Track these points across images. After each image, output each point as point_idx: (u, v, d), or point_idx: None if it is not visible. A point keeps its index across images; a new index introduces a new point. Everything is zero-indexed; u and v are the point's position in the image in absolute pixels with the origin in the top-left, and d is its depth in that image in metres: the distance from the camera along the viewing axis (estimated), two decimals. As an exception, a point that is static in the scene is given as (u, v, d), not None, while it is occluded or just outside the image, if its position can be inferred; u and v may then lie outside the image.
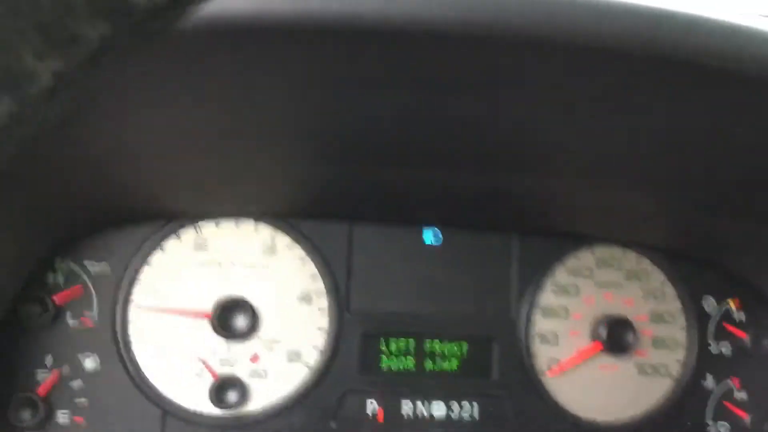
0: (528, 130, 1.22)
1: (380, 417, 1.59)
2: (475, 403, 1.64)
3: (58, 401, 1.45)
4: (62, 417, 1.45)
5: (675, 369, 1.74)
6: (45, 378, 1.44)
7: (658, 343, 1.74)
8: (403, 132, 1.23)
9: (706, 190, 1.45)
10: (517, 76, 1.02)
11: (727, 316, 1.77)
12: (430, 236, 1.68)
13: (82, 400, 1.46)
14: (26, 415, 1.40)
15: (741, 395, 1.74)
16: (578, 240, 1.73)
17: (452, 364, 1.65)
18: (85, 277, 1.48)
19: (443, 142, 1.28)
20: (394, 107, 1.12)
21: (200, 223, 1.54)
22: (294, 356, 1.56)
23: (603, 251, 1.74)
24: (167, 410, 1.48)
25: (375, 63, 0.97)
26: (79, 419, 1.45)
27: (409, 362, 1.63)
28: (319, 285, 1.59)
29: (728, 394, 1.74)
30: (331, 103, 1.11)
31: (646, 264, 1.76)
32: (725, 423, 1.74)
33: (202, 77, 0.99)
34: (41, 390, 1.42)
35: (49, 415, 1.43)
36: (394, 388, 1.61)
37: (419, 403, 1.62)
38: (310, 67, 0.98)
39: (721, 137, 1.18)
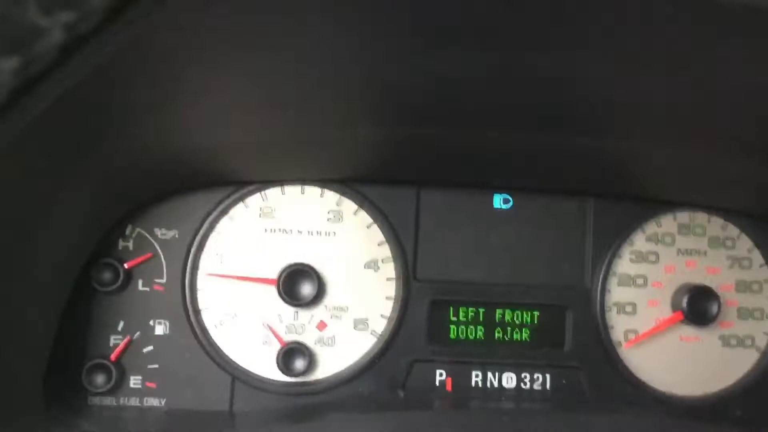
0: (609, 89, 1.14)
1: (449, 386, 1.56)
2: (547, 375, 1.59)
3: (130, 366, 1.47)
4: (134, 382, 1.47)
5: (762, 341, 1.64)
6: (117, 343, 1.46)
7: (744, 313, 1.64)
8: (477, 91, 1.17)
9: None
10: (600, 30, 0.94)
11: (819, 286, 1.66)
12: (500, 201, 1.62)
13: (154, 365, 1.47)
14: (100, 380, 1.43)
15: (834, 369, 1.64)
16: (658, 205, 1.64)
17: (523, 334, 1.60)
18: (155, 243, 1.49)
19: (517, 102, 1.21)
20: (468, 65, 1.06)
21: (266, 190, 1.52)
22: (361, 324, 1.54)
23: (685, 217, 1.64)
24: (236, 376, 1.49)
25: (450, 14, 0.91)
26: (151, 384, 1.47)
27: (479, 332, 1.59)
28: (385, 252, 1.55)
29: (819, 368, 1.64)
30: (402, 61, 1.06)
31: (733, 230, 1.65)
32: (816, 398, 1.64)
33: (272, 37, 0.96)
34: (114, 355, 1.45)
35: (122, 379, 1.46)
36: (463, 357, 1.57)
37: (489, 374, 1.58)
38: (382, 22, 0.94)
39: None
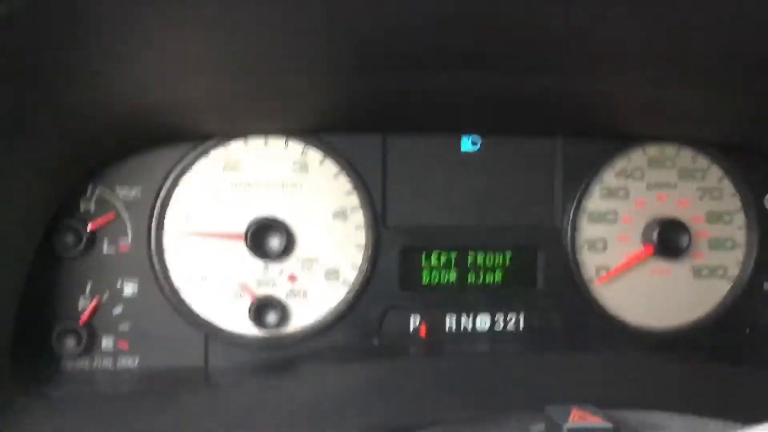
0: (573, 27, 1.11)
1: (423, 332, 1.56)
2: (520, 315, 1.60)
3: (100, 328, 1.45)
4: (106, 344, 1.46)
5: (734, 270, 1.66)
6: (86, 305, 1.44)
7: (715, 244, 1.65)
8: (442, 35, 1.13)
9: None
10: None
11: (791, 212, 1.66)
12: (468, 143, 1.60)
13: (125, 325, 1.46)
14: (70, 344, 1.41)
15: (805, 295, 1.66)
16: (627, 140, 1.63)
17: (496, 276, 1.60)
18: (117, 203, 1.46)
19: (484, 45, 1.18)
20: (432, 8, 1.03)
21: (229, 142, 1.49)
22: (332, 275, 1.53)
23: (655, 150, 1.63)
24: (209, 332, 1.48)
25: None
26: (123, 344, 1.46)
27: (452, 275, 1.58)
28: (354, 200, 1.53)
29: (791, 295, 1.66)
30: (363, 8, 1.02)
31: (703, 161, 1.65)
32: (788, 324, 1.66)
33: None
34: (83, 318, 1.43)
35: (93, 341, 1.44)
36: (436, 302, 1.57)
37: (463, 317, 1.58)
38: None
39: None
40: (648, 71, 1.31)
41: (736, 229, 1.66)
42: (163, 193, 1.46)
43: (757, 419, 0.76)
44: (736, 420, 1.05)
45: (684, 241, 1.59)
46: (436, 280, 1.58)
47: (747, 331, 1.64)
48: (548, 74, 1.31)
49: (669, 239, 1.59)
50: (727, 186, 1.65)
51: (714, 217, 1.65)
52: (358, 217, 1.54)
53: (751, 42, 1.16)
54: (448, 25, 1.10)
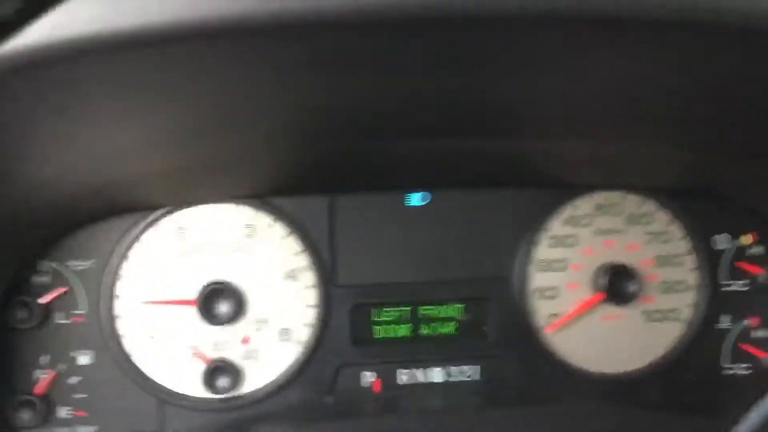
0: (518, 98, 1.15)
1: (377, 387, 1.59)
2: (475, 366, 1.62)
3: (58, 398, 1.49)
4: (64, 413, 1.49)
5: (686, 312, 1.67)
6: (42, 377, 1.47)
7: (666, 287, 1.67)
8: (385, 108, 1.17)
9: (714, 134, 1.34)
10: (505, 52, 0.95)
11: (740, 252, 1.68)
12: (416, 198, 1.63)
13: (81, 394, 1.49)
14: (26, 415, 1.45)
15: (758, 334, 1.67)
16: (575, 189, 1.65)
17: (449, 328, 1.62)
18: (69, 275, 1.50)
19: (425, 115, 1.22)
20: (371, 87, 1.06)
21: (178, 210, 1.53)
22: (285, 334, 1.56)
23: (601, 197, 1.66)
24: (163, 398, 1.51)
25: (354, 46, 0.91)
26: (80, 413, 1.49)
27: (404, 329, 1.61)
28: (303, 261, 1.56)
29: (744, 334, 1.67)
30: (301, 88, 1.06)
31: (651, 205, 1.67)
32: (743, 364, 1.67)
33: (164, 81, 0.96)
34: (39, 389, 1.47)
35: (50, 412, 1.48)
36: (389, 357, 1.59)
37: (417, 371, 1.60)
38: (278, 58, 0.93)
39: (722, 89, 1.09)
40: (592, 132, 1.34)
41: (688, 271, 1.67)
42: (113, 264, 1.50)
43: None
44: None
45: (633, 286, 1.61)
46: (389, 335, 1.60)
47: (693, 377, 1.64)
48: (495, 137, 1.34)
49: (618, 286, 1.61)
50: (677, 229, 1.67)
51: (664, 261, 1.67)
52: (309, 277, 1.57)
53: (694, 102, 1.19)
54: (398, 101, 1.14)
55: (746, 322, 1.67)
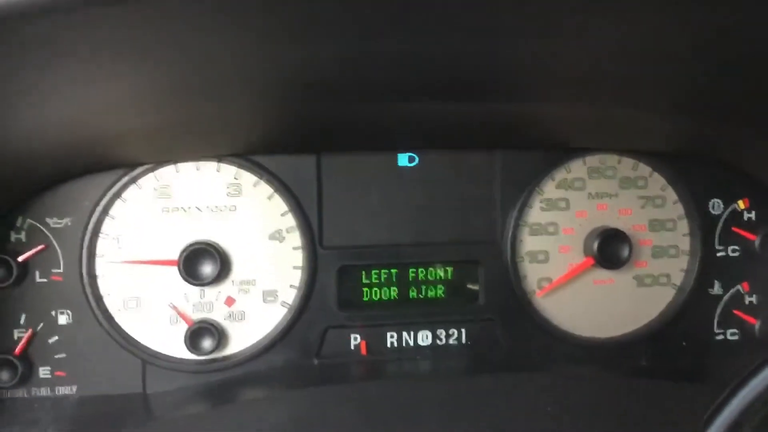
0: (510, 57, 1.11)
1: (364, 350, 1.56)
2: (462, 329, 1.59)
3: (37, 357, 1.46)
4: (43, 373, 1.46)
5: (678, 278, 1.65)
6: (21, 336, 1.44)
7: (658, 252, 1.64)
8: (382, 68, 1.12)
9: (709, 100, 1.31)
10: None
11: (734, 217, 1.65)
12: (405, 159, 1.58)
13: (61, 355, 1.46)
14: (5, 375, 1.42)
15: (750, 299, 1.65)
16: (569, 151, 1.62)
17: (438, 291, 1.59)
18: (48, 233, 1.45)
19: (422, 76, 1.17)
20: (370, 48, 1.02)
21: (159, 168, 1.48)
22: (270, 296, 1.53)
23: (595, 160, 1.62)
24: (146, 359, 1.48)
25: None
26: (60, 373, 1.46)
27: (393, 292, 1.58)
28: (290, 221, 1.53)
29: (737, 300, 1.65)
30: (301, 46, 1.01)
31: (644, 169, 1.64)
32: (734, 330, 1.65)
33: (139, 40, 0.92)
34: (18, 349, 1.43)
35: (30, 371, 1.45)
36: (377, 320, 1.57)
37: (404, 333, 1.58)
38: (252, 20, 0.89)
39: (716, 53, 1.05)
40: (585, 95, 1.30)
41: (680, 236, 1.65)
42: (93, 222, 1.46)
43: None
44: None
45: (624, 251, 1.59)
46: (377, 297, 1.57)
47: (684, 343, 1.63)
48: (486, 99, 1.30)
49: (609, 250, 1.58)
50: (670, 194, 1.64)
51: (657, 225, 1.64)
52: (295, 238, 1.53)
53: (691, 72, 1.15)
54: (386, 61, 1.09)
55: (738, 288, 1.65)
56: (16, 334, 1.45)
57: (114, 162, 1.46)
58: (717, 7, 0.90)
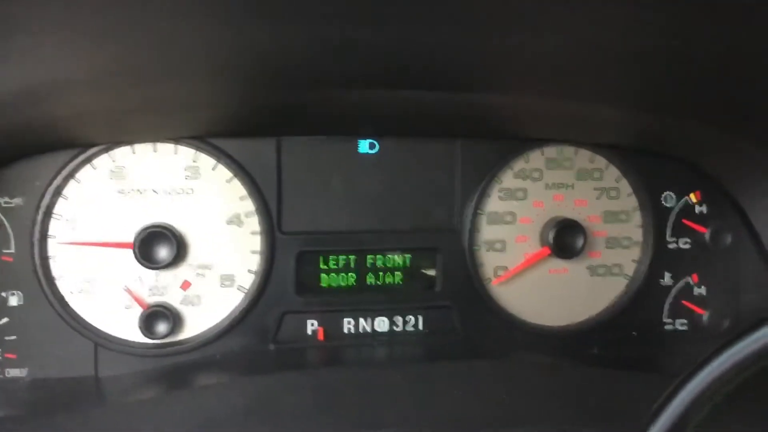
0: (465, 48, 1.11)
1: (321, 335, 1.56)
2: (419, 316, 1.61)
3: (-15, 340, 1.43)
4: (-8, 355, 1.43)
5: (630, 268, 1.69)
6: (-30, 318, 1.41)
7: (612, 242, 1.68)
8: (337, 57, 1.12)
9: (667, 96, 1.33)
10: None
11: (686, 210, 1.69)
12: (365, 146, 1.58)
13: (12, 337, 1.43)
14: (-47, 356, 1.39)
15: (699, 291, 1.69)
16: (526, 142, 1.63)
17: (396, 278, 1.60)
18: (-1, 212, 1.42)
19: (384, 67, 1.17)
20: (327, 32, 1.01)
21: (115, 149, 1.46)
22: (227, 281, 1.52)
23: (553, 151, 1.64)
24: (98, 342, 1.46)
25: None
26: (10, 355, 1.44)
27: (351, 278, 1.58)
28: (248, 206, 1.52)
29: (686, 291, 1.70)
30: (245, 35, 1.00)
31: (601, 161, 1.66)
32: (684, 320, 1.70)
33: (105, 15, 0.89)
34: (-34, 330, 1.40)
35: (-22, 354, 1.42)
36: (334, 306, 1.57)
37: (362, 320, 1.58)
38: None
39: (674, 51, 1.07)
40: (544, 88, 1.31)
41: (634, 227, 1.68)
42: (45, 202, 1.43)
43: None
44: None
45: (579, 241, 1.61)
46: (335, 284, 1.58)
47: (634, 332, 1.67)
48: (441, 88, 1.30)
49: (564, 240, 1.61)
50: (624, 186, 1.67)
51: (611, 217, 1.67)
52: (254, 223, 1.52)
53: (646, 64, 1.17)
54: (345, 49, 1.08)
55: (688, 279, 1.69)
56: (-36, 315, 1.42)
57: (68, 141, 1.43)
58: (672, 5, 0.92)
